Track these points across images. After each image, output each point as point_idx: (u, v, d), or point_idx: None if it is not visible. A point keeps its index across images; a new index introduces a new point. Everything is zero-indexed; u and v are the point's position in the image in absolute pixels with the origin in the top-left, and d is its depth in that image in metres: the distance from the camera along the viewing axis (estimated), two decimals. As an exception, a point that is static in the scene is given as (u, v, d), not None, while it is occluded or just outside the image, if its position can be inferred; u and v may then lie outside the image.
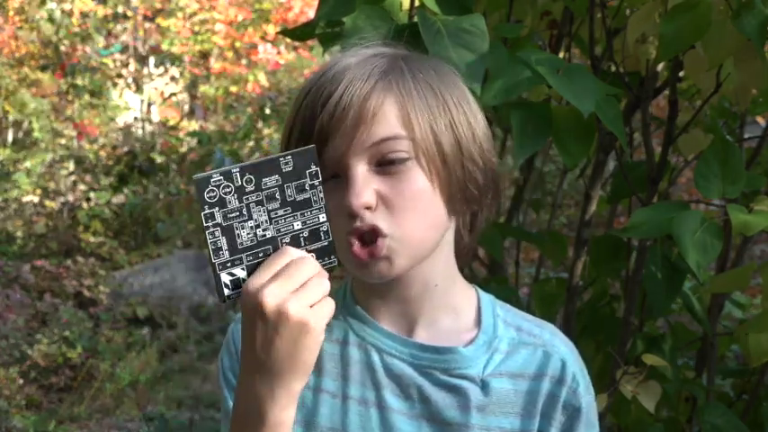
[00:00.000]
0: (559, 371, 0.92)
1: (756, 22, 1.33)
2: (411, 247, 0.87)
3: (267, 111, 6.46)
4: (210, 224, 0.76)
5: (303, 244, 0.81)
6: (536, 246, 2.07)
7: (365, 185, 0.84)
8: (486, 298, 0.99)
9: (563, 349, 0.94)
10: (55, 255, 6.42)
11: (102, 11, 7.64)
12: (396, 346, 0.93)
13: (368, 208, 0.85)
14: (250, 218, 0.78)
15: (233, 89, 7.92)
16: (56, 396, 4.62)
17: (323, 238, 0.82)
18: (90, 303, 5.71)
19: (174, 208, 6.58)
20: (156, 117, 8.41)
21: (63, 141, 7.28)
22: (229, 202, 0.77)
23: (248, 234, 0.78)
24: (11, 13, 7.35)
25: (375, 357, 0.93)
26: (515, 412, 0.91)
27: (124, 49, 8.11)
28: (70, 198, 7.17)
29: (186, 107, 8.62)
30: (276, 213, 0.79)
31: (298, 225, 0.80)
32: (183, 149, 7.39)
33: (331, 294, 0.81)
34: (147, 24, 8.12)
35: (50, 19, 7.24)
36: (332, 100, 0.85)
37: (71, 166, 7.33)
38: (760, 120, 2.72)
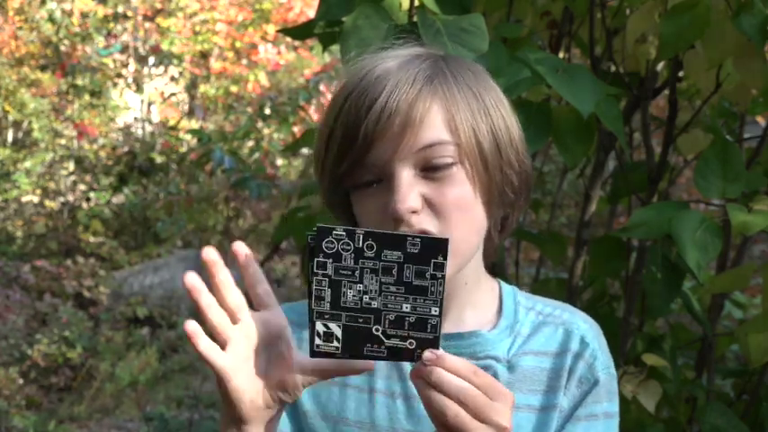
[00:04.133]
0: (579, 346, 0.94)
1: (756, 22, 1.33)
2: (458, 253, 0.87)
3: (267, 111, 6.45)
4: (320, 272, 0.76)
5: (407, 328, 0.77)
6: (536, 246, 2.07)
7: (410, 189, 0.85)
8: (508, 288, 1.01)
9: (583, 326, 0.96)
10: (55, 255, 6.42)
11: (102, 11, 7.63)
12: None
13: (414, 212, 0.85)
14: (360, 282, 0.76)
15: (233, 89, 7.92)
16: (56, 396, 4.62)
17: (429, 330, 0.77)
18: (90, 303, 5.71)
19: (174, 208, 6.58)
20: (156, 117, 8.40)
21: (63, 141, 7.28)
22: (345, 258, 0.76)
23: (354, 296, 0.76)
24: (11, 13, 7.35)
25: None
26: (541, 390, 0.93)
27: (124, 49, 8.11)
28: (70, 198, 7.17)
29: (186, 107, 8.61)
30: (388, 288, 0.76)
31: (407, 307, 0.77)
32: (183, 149, 7.39)
33: None
34: (147, 24, 8.11)
35: (50, 19, 7.24)
36: (377, 105, 0.84)
37: (71, 166, 7.33)
38: (760, 120, 2.71)
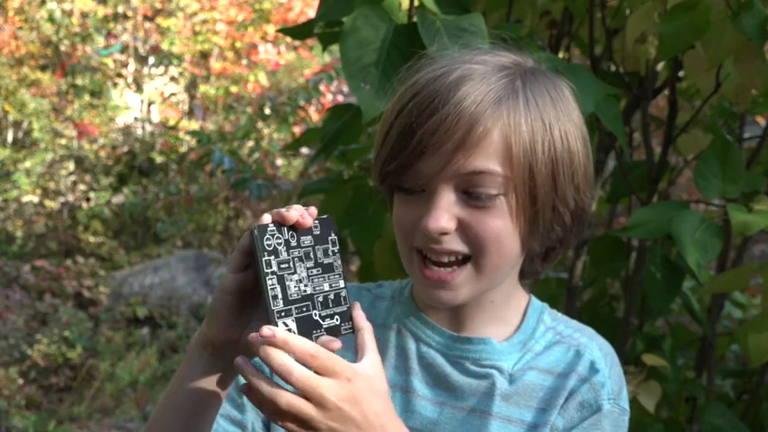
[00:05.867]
0: (587, 371, 0.91)
1: (756, 22, 1.33)
2: (480, 281, 0.87)
3: (267, 111, 6.45)
4: (269, 271, 0.78)
5: (331, 306, 0.82)
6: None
7: (446, 211, 0.84)
8: (537, 305, 0.99)
9: (596, 353, 0.93)
10: (55, 255, 6.42)
11: (102, 11, 7.62)
12: (433, 336, 0.94)
13: (444, 233, 0.84)
14: (295, 272, 0.79)
15: (233, 89, 7.91)
16: (56, 396, 4.62)
17: (343, 303, 0.83)
18: (90, 303, 5.71)
19: (174, 208, 6.57)
20: (156, 117, 8.40)
21: (63, 141, 7.28)
22: (280, 252, 0.79)
23: (295, 287, 0.79)
24: (11, 13, 7.34)
25: (411, 345, 0.95)
26: (539, 407, 0.91)
27: (124, 49, 8.10)
28: (70, 198, 7.17)
29: (186, 107, 8.61)
30: (311, 272, 0.81)
31: (326, 287, 0.82)
32: (183, 149, 7.39)
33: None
34: (147, 24, 8.10)
35: (50, 19, 7.24)
36: (439, 115, 0.82)
37: (71, 166, 7.32)
38: (760, 120, 2.71)
